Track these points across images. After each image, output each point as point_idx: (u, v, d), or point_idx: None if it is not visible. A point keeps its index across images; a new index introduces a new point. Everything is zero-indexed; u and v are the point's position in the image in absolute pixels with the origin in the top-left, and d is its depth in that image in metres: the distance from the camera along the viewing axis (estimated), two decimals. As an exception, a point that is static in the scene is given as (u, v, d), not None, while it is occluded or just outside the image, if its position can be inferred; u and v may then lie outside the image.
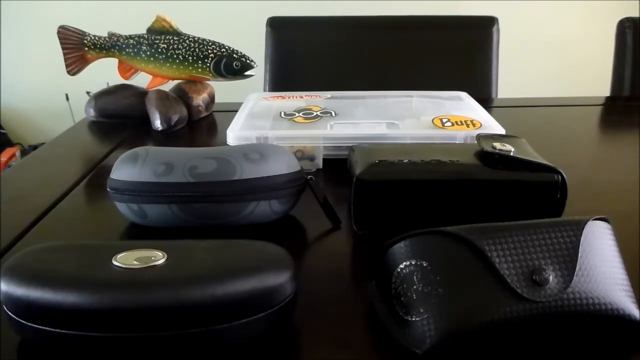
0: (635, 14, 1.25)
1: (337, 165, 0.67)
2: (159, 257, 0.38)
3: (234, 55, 0.90)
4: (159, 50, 0.89)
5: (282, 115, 0.79)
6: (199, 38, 0.90)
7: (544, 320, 0.36)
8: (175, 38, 0.89)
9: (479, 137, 0.57)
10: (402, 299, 0.38)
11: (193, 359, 0.37)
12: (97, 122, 0.94)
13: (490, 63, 1.24)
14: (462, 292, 0.36)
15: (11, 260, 0.38)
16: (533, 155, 0.55)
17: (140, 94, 0.93)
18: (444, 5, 1.74)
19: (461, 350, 0.37)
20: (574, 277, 0.37)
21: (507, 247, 0.37)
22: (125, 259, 0.37)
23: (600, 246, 0.39)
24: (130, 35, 0.91)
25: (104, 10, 2.27)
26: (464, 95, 0.91)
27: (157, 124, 0.87)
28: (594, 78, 1.66)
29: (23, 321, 0.36)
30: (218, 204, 0.51)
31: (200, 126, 0.93)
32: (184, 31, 0.91)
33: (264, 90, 1.26)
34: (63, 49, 0.91)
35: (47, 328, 0.35)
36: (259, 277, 0.37)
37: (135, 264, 0.37)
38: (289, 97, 0.90)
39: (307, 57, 1.26)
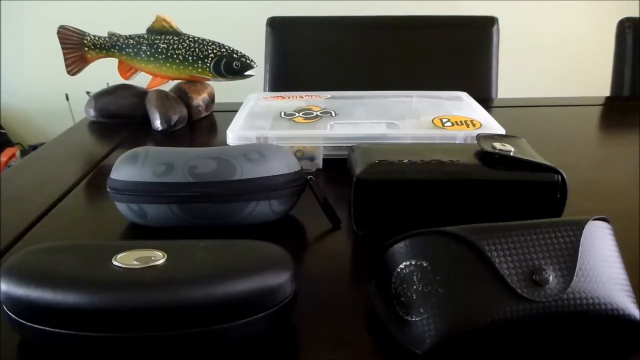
0: (635, 14, 1.24)
1: (337, 165, 0.67)
2: (159, 257, 0.38)
3: (234, 55, 0.90)
4: (159, 50, 0.89)
5: (282, 115, 0.79)
6: (199, 38, 0.90)
7: (544, 320, 0.36)
8: (175, 38, 0.89)
9: (479, 137, 0.57)
10: (402, 299, 0.38)
11: (193, 359, 0.37)
12: (97, 122, 0.94)
13: (490, 63, 1.24)
14: (462, 292, 0.36)
15: (11, 260, 0.38)
16: (533, 155, 0.55)
17: (140, 94, 0.93)
18: (444, 5, 1.74)
19: (461, 350, 0.37)
20: (574, 277, 0.37)
21: (507, 247, 0.37)
22: (125, 259, 0.37)
23: (600, 246, 0.39)
24: (130, 35, 0.91)
25: (104, 10, 2.27)
26: (464, 95, 0.91)
27: (157, 124, 0.87)
28: (594, 78, 1.66)
29: (23, 321, 0.36)
30: (218, 204, 0.51)
31: (200, 126, 0.93)
32: (184, 31, 0.91)
33: (264, 90, 1.26)
34: (63, 49, 0.91)
35: (47, 328, 0.35)
36: (259, 277, 0.37)
37: (135, 264, 0.37)
38: (289, 97, 0.90)
39: (307, 57, 1.26)
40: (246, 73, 0.91)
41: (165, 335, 0.35)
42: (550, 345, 0.38)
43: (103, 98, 0.94)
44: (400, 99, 0.89)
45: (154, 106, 0.88)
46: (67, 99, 2.35)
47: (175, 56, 0.89)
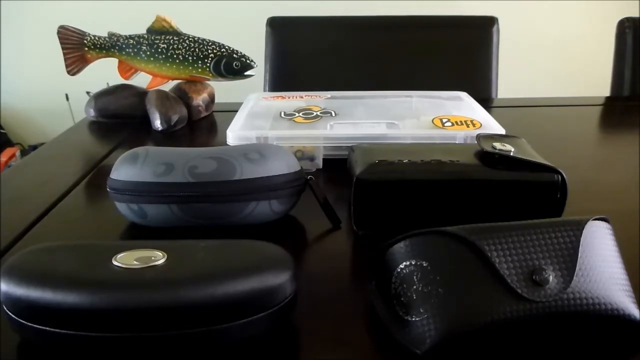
0: (635, 14, 1.24)
1: (337, 165, 0.67)
2: (159, 257, 0.38)
3: (234, 55, 0.90)
4: (159, 50, 0.89)
5: (282, 115, 0.79)
6: (199, 38, 0.90)
7: (544, 320, 0.36)
8: (175, 38, 0.89)
9: (479, 137, 0.57)
10: (402, 299, 0.38)
11: (193, 359, 0.37)
12: (97, 122, 0.94)
13: (490, 63, 1.24)
14: (462, 292, 0.36)
15: (11, 260, 0.38)
16: (533, 155, 0.55)
17: (140, 94, 0.93)
18: (444, 5, 1.74)
19: (461, 350, 0.37)
20: (574, 277, 0.37)
21: (507, 247, 0.37)
22: (125, 259, 0.37)
23: (600, 246, 0.39)
24: (130, 35, 0.91)
25: (104, 10, 2.27)
26: (464, 95, 0.91)
27: (157, 124, 0.87)
28: (594, 78, 1.66)
29: (23, 321, 0.36)
30: (218, 204, 0.51)
31: (200, 126, 0.93)
32: (184, 31, 0.91)
33: (264, 90, 1.26)
34: (63, 49, 0.91)
35: (47, 328, 0.35)
36: (259, 277, 0.37)
37: (135, 264, 0.37)
38: (289, 97, 0.90)
39: (307, 57, 1.26)
40: (246, 73, 0.91)
41: (165, 335, 0.35)
42: (550, 345, 0.38)
43: (103, 98, 0.94)
44: (400, 99, 0.89)
45: (154, 106, 0.88)
46: (67, 99, 2.35)
47: (175, 56, 0.89)
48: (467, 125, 0.73)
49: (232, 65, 0.90)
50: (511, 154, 0.53)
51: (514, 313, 0.35)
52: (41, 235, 0.56)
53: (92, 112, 0.93)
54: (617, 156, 0.78)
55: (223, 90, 1.05)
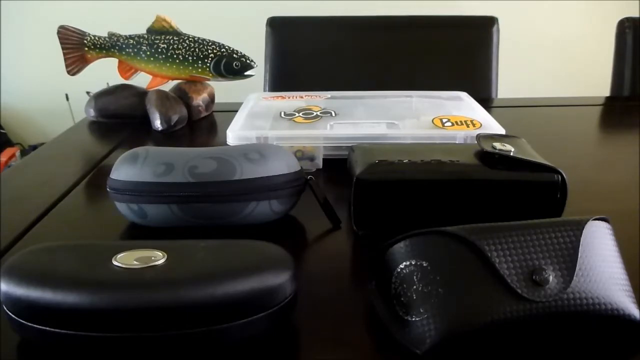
0: (635, 14, 1.25)
1: (337, 165, 0.67)
2: (159, 257, 0.38)
3: (234, 55, 0.90)
4: (159, 50, 0.89)
5: (282, 115, 0.79)
6: (199, 38, 0.90)
7: (544, 320, 0.36)
8: (175, 38, 0.89)
9: (479, 137, 0.57)
10: (402, 299, 0.38)
11: (193, 359, 0.37)
12: (97, 122, 0.94)
13: (490, 63, 1.24)
14: (462, 292, 0.36)
15: (11, 260, 0.38)
16: (533, 155, 0.55)
17: (140, 94, 0.93)
18: (444, 5, 1.74)
19: (461, 350, 0.37)
20: (574, 277, 0.37)
21: (507, 247, 0.37)
22: (125, 259, 0.37)
23: (600, 246, 0.39)
24: (130, 35, 0.91)
25: (104, 10, 2.27)
26: (464, 95, 0.91)
27: (157, 124, 0.87)
28: (594, 78, 1.66)
29: (23, 321, 0.36)
30: (218, 204, 0.51)
31: (200, 126, 0.93)
32: (184, 31, 0.91)
33: (264, 90, 1.26)
34: (63, 49, 0.91)
35: (47, 328, 0.35)
36: (259, 277, 0.37)
37: (135, 264, 0.37)
38: (289, 97, 0.90)
39: (307, 57, 1.26)
40: (246, 73, 0.91)
41: (165, 335, 0.35)
42: (550, 345, 0.38)
43: (103, 98, 0.94)
44: (400, 99, 0.89)
45: (154, 106, 0.88)
46: (67, 99, 2.35)
47: (175, 56, 0.89)
48: (467, 125, 0.73)
49: (232, 65, 0.90)
50: (511, 154, 0.53)
51: (514, 313, 0.35)
52: (41, 235, 0.56)
53: (92, 112, 0.93)
54: (617, 156, 0.78)
55: (223, 90, 1.05)
